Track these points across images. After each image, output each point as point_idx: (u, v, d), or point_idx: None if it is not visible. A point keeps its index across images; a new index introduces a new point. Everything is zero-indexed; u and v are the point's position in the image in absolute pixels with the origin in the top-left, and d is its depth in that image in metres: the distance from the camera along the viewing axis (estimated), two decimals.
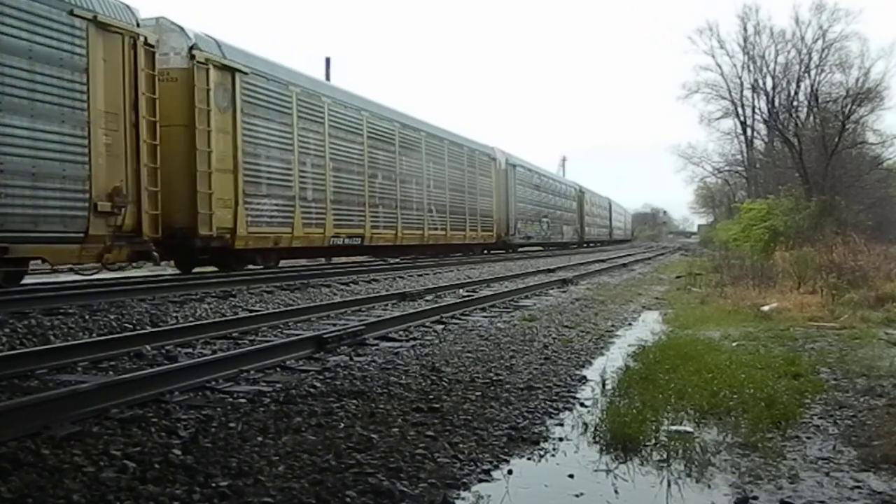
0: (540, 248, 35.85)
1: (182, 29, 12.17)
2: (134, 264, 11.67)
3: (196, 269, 14.22)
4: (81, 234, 9.43)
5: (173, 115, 11.56)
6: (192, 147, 11.91)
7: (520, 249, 31.85)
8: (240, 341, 6.45)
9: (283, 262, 18.80)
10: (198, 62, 12.04)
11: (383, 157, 18.95)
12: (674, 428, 3.71)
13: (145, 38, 10.43)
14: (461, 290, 11.87)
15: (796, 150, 31.11)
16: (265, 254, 14.75)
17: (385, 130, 19.15)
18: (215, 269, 13.97)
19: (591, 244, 49.60)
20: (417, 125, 21.67)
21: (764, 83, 40.84)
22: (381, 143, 18.85)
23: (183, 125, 11.90)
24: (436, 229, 22.44)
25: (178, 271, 14.42)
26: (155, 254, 10.91)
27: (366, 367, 5.27)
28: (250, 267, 18.17)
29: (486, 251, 28.49)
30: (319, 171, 15.67)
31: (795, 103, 38.25)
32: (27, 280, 11.97)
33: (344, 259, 21.85)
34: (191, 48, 12.05)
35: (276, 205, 14.11)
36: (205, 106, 12.13)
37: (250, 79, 13.43)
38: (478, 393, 4.46)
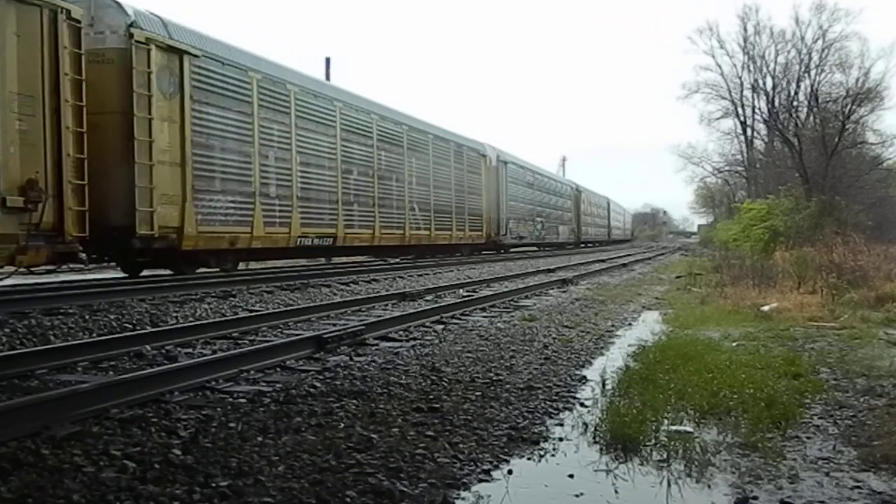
0: (535, 248, 34.95)
1: (119, 5, 10.98)
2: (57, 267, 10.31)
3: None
4: None
5: (108, 100, 10.52)
6: (129, 137, 10.74)
7: (513, 250, 30.85)
8: (240, 341, 6.45)
9: (281, 263, 18.58)
10: (137, 42, 10.82)
11: (359, 151, 17.60)
12: (674, 428, 3.71)
13: (69, 12, 9.17)
14: (461, 290, 11.87)
15: (796, 150, 31.13)
16: (220, 255, 13.52)
17: (361, 123, 17.80)
18: (170, 271, 13.11)
19: (589, 244, 48.75)
20: (398, 118, 20.25)
21: (764, 83, 40.90)
22: (357, 136, 17.54)
23: (119, 112, 10.74)
24: (418, 229, 21.02)
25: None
26: (82, 255, 9.80)
27: (366, 367, 5.27)
28: (252, 266, 18.16)
29: (477, 252, 27.19)
30: (284, 165, 14.42)
31: (795, 103, 38.32)
32: (27, 280, 11.98)
33: (344, 259, 21.76)
34: (129, 26, 10.85)
35: (233, 202, 12.96)
36: (145, 91, 10.96)
37: (202, 62, 12.20)
38: (478, 393, 4.46)
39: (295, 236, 14.74)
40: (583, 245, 46.13)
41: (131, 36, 10.87)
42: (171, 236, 11.61)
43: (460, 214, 24.49)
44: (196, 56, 12.08)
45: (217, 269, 13.81)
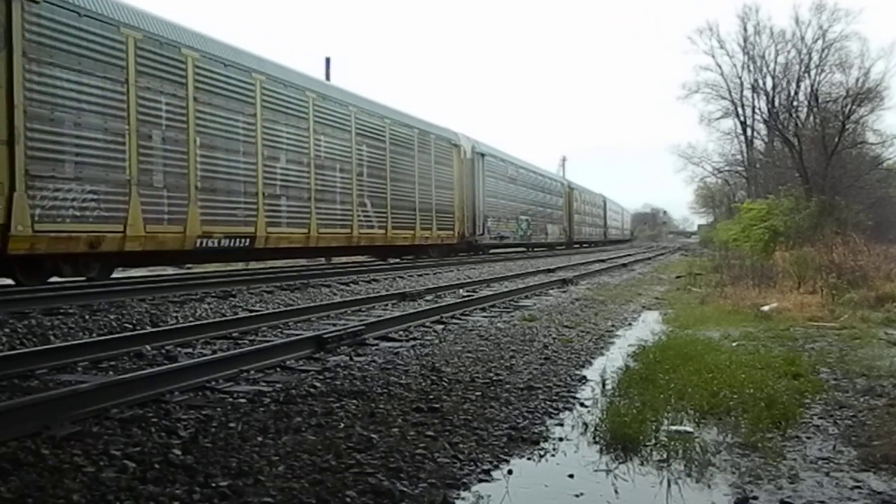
0: (523, 249, 33.20)
1: None
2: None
3: (196, 269, 13.63)
4: None
5: None
6: None
7: (491, 251, 28.52)
8: (240, 341, 6.45)
9: (280, 263, 18.15)
10: None
11: (289, 134, 14.90)
12: (674, 428, 3.71)
13: None
14: (461, 290, 11.87)
15: (796, 150, 31.12)
16: (77, 261, 10.86)
17: (291, 101, 15.07)
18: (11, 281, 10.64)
19: (584, 244, 47.14)
20: (344, 97, 17.51)
21: (764, 83, 40.91)
22: (287, 116, 14.85)
23: None
24: (371, 227, 18.25)
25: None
26: None
27: (366, 367, 5.28)
28: (252, 265, 17.98)
29: (454, 253, 24.50)
30: (177, 148, 11.88)
31: (795, 103, 38.31)
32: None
33: (344, 259, 21.66)
34: None
35: (95, 192, 10.38)
36: None
37: (44, 11, 9.67)
38: (478, 393, 4.46)
39: (193, 236, 12.13)
40: (576, 245, 44.30)
41: None
42: None
43: (426, 211, 21.57)
44: (35, 1, 9.54)
45: (220, 270, 13.82)
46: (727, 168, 46.68)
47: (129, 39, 11.08)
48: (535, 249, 34.69)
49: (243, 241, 13.49)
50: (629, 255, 31.87)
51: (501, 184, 29.20)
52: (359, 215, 17.68)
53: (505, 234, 29.47)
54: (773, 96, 40.36)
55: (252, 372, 4.96)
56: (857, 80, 33.62)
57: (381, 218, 18.86)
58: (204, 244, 12.50)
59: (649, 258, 29.52)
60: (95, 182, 10.45)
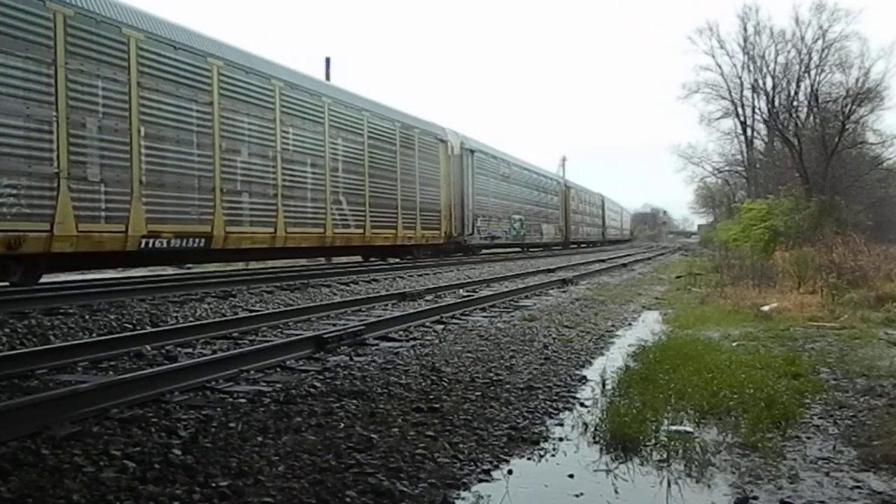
0: (518, 249, 32.23)
1: None
2: None
3: (196, 269, 13.45)
4: None
5: None
6: None
7: (490, 252, 27.75)
8: (240, 341, 6.45)
9: (277, 263, 17.88)
10: None
11: (251, 125, 13.61)
12: (674, 428, 3.71)
13: None
14: (461, 290, 11.87)
15: (796, 150, 31.12)
16: None
17: (255, 89, 13.80)
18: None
19: (582, 245, 46.06)
20: (316, 87, 16.27)
21: (764, 83, 40.93)
22: (249, 105, 13.58)
23: None
24: (347, 226, 16.91)
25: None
26: None
27: (366, 367, 5.28)
28: (252, 265, 17.95)
29: (443, 255, 23.15)
30: (117, 138, 10.70)
31: (795, 103, 38.32)
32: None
33: (345, 259, 21.64)
34: None
35: (14, 186, 9.30)
36: None
37: None
38: (478, 393, 4.46)
39: (137, 236, 11.00)
40: (573, 246, 43.10)
41: None
42: None
43: (409, 210, 20.32)
44: None
45: (220, 270, 13.77)
46: (727, 168, 46.73)
47: (58, 16, 9.91)
48: (531, 250, 33.87)
49: (198, 241, 12.25)
50: (629, 255, 31.86)
51: (493, 181, 27.99)
52: (333, 214, 16.34)
53: (496, 234, 28.31)
54: (773, 96, 40.40)
55: (252, 372, 4.96)
56: (857, 80, 33.66)
57: (359, 216, 17.55)
58: (150, 245, 11.29)
59: (649, 258, 29.52)
60: (14, 175, 9.30)
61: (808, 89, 37.22)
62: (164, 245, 11.60)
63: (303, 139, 15.32)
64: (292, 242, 14.95)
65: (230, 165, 13.04)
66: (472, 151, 25.56)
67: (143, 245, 11.15)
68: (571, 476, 3.13)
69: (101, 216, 10.50)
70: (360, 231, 17.65)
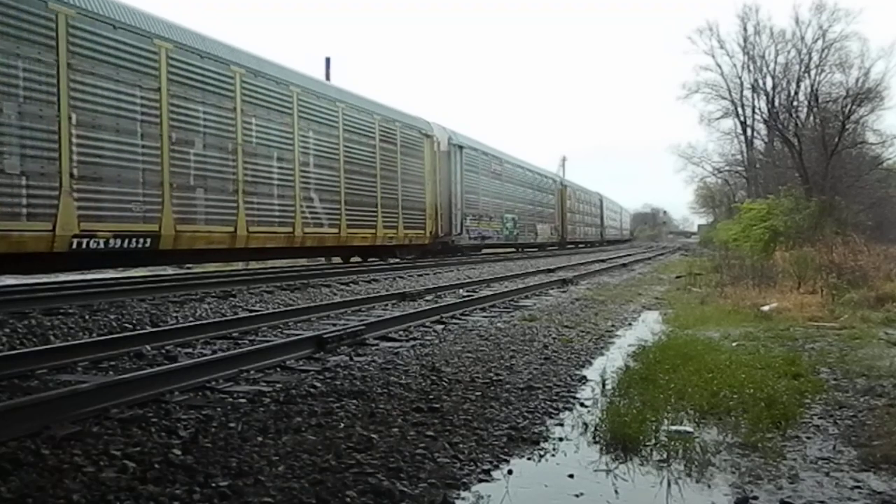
0: (512, 249, 31.26)
1: None
2: None
3: (196, 269, 13.33)
4: None
5: None
6: None
7: (483, 252, 26.76)
8: (240, 341, 6.45)
9: (278, 263, 18.17)
10: None
11: (207, 114, 12.39)
12: (674, 428, 3.71)
13: None
14: (461, 290, 11.88)
15: (796, 150, 31.12)
16: None
17: (211, 76, 12.54)
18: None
19: (580, 245, 45.33)
20: (283, 76, 14.79)
21: (764, 83, 40.92)
22: (204, 92, 12.35)
23: None
24: (319, 225, 15.61)
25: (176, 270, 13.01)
26: None
27: (366, 367, 5.28)
28: (252, 265, 18.01)
29: (430, 255, 22.13)
30: (42, 125, 9.54)
31: (795, 103, 38.30)
32: (27, 280, 12.00)
33: (340, 259, 21.58)
34: None
35: None
36: None
37: None
38: (478, 393, 4.46)
39: (67, 236, 9.83)
40: (571, 246, 42.18)
41: None
42: None
43: (390, 208, 19.06)
44: None
45: (220, 270, 13.69)
46: (727, 168, 46.73)
47: None
48: (529, 250, 33.20)
49: (143, 240, 11.04)
50: (629, 255, 31.87)
51: (483, 179, 26.71)
52: (303, 211, 14.98)
53: (487, 233, 27.00)
54: (773, 96, 40.40)
55: (252, 372, 4.97)
56: (857, 80, 33.65)
57: (333, 215, 16.21)
58: (84, 245, 10.05)
59: (649, 258, 29.52)
60: None
61: (808, 89, 37.25)
62: (101, 246, 10.37)
63: (268, 131, 14.03)
64: (256, 243, 13.65)
65: (182, 158, 11.82)
66: (461, 147, 24.45)
67: (75, 246, 9.92)
68: (571, 476, 3.13)
69: (22, 213, 9.28)
70: (335, 231, 16.32)
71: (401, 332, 7.01)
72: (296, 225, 14.75)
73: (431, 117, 22.97)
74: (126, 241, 10.77)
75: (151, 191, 11.21)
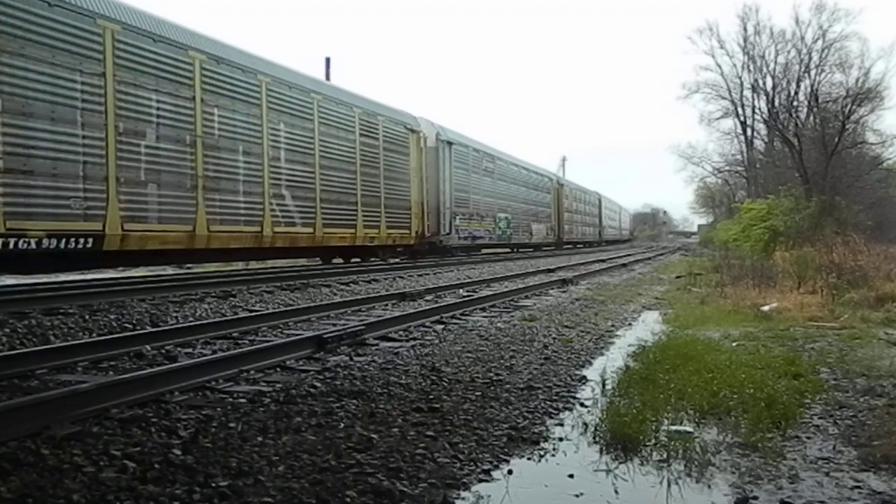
0: (507, 250, 30.63)
1: None
2: None
3: (196, 269, 13.15)
4: None
5: None
6: None
7: (480, 252, 25.98)
8: (240, 341, 6.45)
9: (282, 262, 18.26)
10: None
11: (161, 103, 11.36)
12: (674, 428, 3.71)
13: None
14: (461, 290, 11.88)
15: (796, 150, 31.12)
16: None
17: (164, 61, 11.46)
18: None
19: (578, 245, 44.63)
20: (250, 63, 13.68)
21: (764, 83, 40.90)
22: (157, 80, 11.31)
23: None
24: (292, 224, 14.53)
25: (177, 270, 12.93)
26: None
27: (366, 367, 5.28)
28: (252, 265, 18.03)
29: (419, 257, 21.14)
30: None
31: (795, 103, 38.28)
32: (27, 280, 12.00)
33: (341, 259, 21.55)
34: None
35: None
36: None
37: None
38: (478, 393, 4.46)
39: None
40: (569, 246, 41.44)
41: None
42: None
43: (371, 207, 17.97)
44: None
45: (220, 270, 13.60)
46: (727, 168, 46.71)
47: None
48: (526, 251, 32.40)
49: (83, 241, 9.99)
50: (629, 255, 31.87)
51: (474, 177, 25.65)
52: (273, 210, 13.92)
53: (478, 233, 25.94)
54: (773, 96, 40.38)
55: (252, 372, 4.97)
56: (857, 80, 33.61)
57: (307, 213, 15.13)
58: (12, 246, 9.04)
59: (649, 258, 29.53)
60: None
61: (808, 89, 37.21)
62: (33, 246, 9.32)
63: (232, 123, 12.97)
64: (218, 243, 12.61)
65: (131, 150, 10.79)
66: (450, 143, 23.27)
67: (1, 246, 8.95)
68: (571, 476, 3.13)
69: None
70: (310, 230, 15.21)
71: (401, 332, 7.01)
72: (264, 224, 13.71)
73: (433, 117, 22.73)
74: (63, 241, 9.71)
75: (94, 186, 10.17)
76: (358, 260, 18.98)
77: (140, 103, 11.02)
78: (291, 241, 14.80)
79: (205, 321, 7.35)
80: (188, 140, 11.94)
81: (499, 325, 7.75)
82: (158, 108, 11.37)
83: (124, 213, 10.60)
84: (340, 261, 19.09)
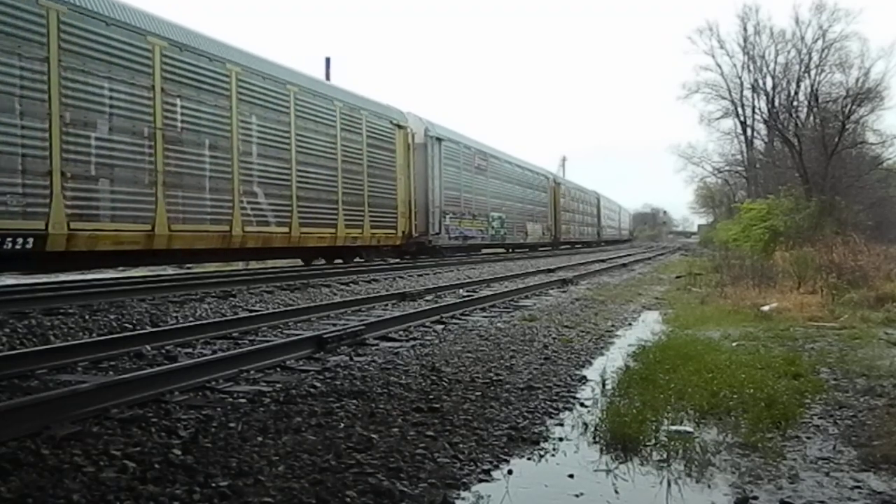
0: (502, 250, 30.00)
1: None
2: None
3: (196, 269, 13.04)
4: None
5: None
6: None
7: (483, 252, 25.51)
8: (240, 341, 6.45)
9: (282, 262, 18.37)
10: None
11: (115, 93, 10.55)
12: (674, 428, 3.71)
13: None
14: (461, 290, 11.88)
15: (796, 150, 31.13)
16: None
17: (118, 47, 10.64)
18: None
19: (576, 245, 44.02)
20: (218, 52, 12.82)
21: (764, 83, 40.89)
22: (110, 66, 10.47)
23: None
24: (265, 224, 13.73)
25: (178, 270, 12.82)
26: None
27: (366, 367, 5.28)
28: (252, 265, 18.04)
29: (409, 257, 20.56)
30: None
31: (795, 103, 38.29)
32: (27, 280, 12.01)
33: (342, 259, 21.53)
34: None
35: None
36: None
37: None
38: (478, 393, 4.46)
39: None
40: (566, 246, 40.78)
41: None
42: None
43: (354, 205, 17.10)
44: None
45: (220, 270, 13.50)
46: (727, 168, 46.71)
47: None
48: (523, 251, 31.86)
49: (22, 241, 9.11)
50: (629, 255, 31.87)
51: (465, 174, 24.66)
52: (244, 208, 13.07)
53: (470, 233, 25.03)
54: (773, 96, 40.37)
55: (252, 372, 4.97)
56: (857, 80, 33.62)
57: (283, 213, 14.30)
58: None
59: (649, 258, 29.53)
60: None
61: (808, 89, 37.21)
62: None
63: (197, 115, 12.09)
64: (181, 243, 11.78)
65: (79, 143, 9.95)
66: (440, 140, 22.32)
67: None
68: (571, 476, 3.13)
69: None
70: (285, 230, 14.35)
71: (401, 332, 7.01)
72: (234, 223, 12.82)
73: (430, 115, 22.30)
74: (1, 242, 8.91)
75: (35, 181, 9.27)
76: (340, 261, 18.27)
77: (90, 91, 10.17)
78: (265, 241, 13.98)
79: (205, 321, 7.34)
80: (146, 132, 11.09)
81: (499, 325, 7.75)
82: (112, 98, 10.53)
83: (71, 211, 9.76)
84: (323, 262, 18.41)
